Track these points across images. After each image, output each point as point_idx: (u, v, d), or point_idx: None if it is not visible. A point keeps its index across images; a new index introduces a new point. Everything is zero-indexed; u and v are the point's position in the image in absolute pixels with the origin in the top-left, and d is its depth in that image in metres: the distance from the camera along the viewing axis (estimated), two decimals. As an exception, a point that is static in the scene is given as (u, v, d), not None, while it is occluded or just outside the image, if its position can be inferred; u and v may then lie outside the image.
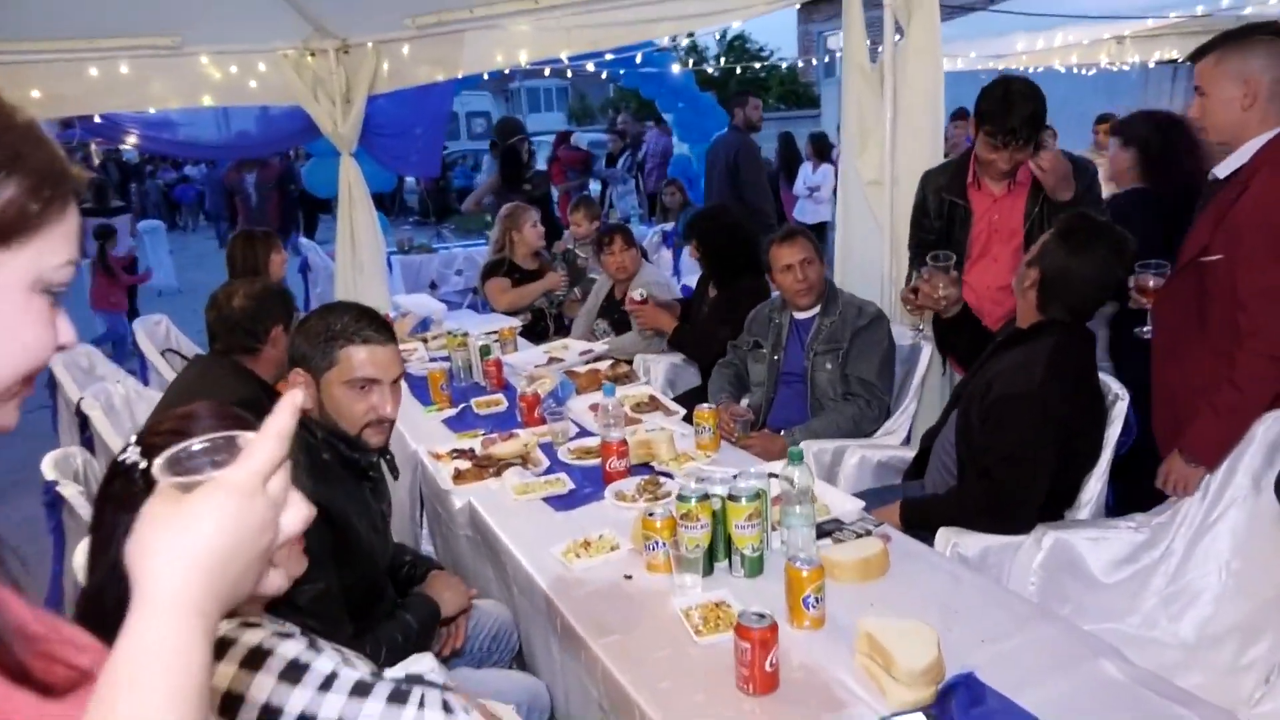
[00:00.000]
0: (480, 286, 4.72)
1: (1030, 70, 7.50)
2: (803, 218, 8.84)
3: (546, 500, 2.37)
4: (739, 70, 20.00)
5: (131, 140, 5.60)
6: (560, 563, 2.01)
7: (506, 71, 4.50)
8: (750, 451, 2.87)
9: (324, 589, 1.68)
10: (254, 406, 1.73)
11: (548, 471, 2.56)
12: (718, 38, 24.22)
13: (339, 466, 1.84)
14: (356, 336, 1.80)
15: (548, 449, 2.74)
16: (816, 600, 1.67)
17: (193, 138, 5.52)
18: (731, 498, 1.88)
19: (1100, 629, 2.14)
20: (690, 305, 3.98)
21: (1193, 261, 2.32)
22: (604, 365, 3.52)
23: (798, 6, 3.68)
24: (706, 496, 1.88)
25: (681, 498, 1.88)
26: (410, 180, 15.94)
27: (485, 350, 3.48)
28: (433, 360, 3.84)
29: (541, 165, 8.24)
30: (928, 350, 3.05)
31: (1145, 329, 2.51)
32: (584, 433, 2.88)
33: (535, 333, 4.56)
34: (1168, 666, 2.09)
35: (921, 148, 3.16)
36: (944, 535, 2.19)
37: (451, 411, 3.19)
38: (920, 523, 2.25)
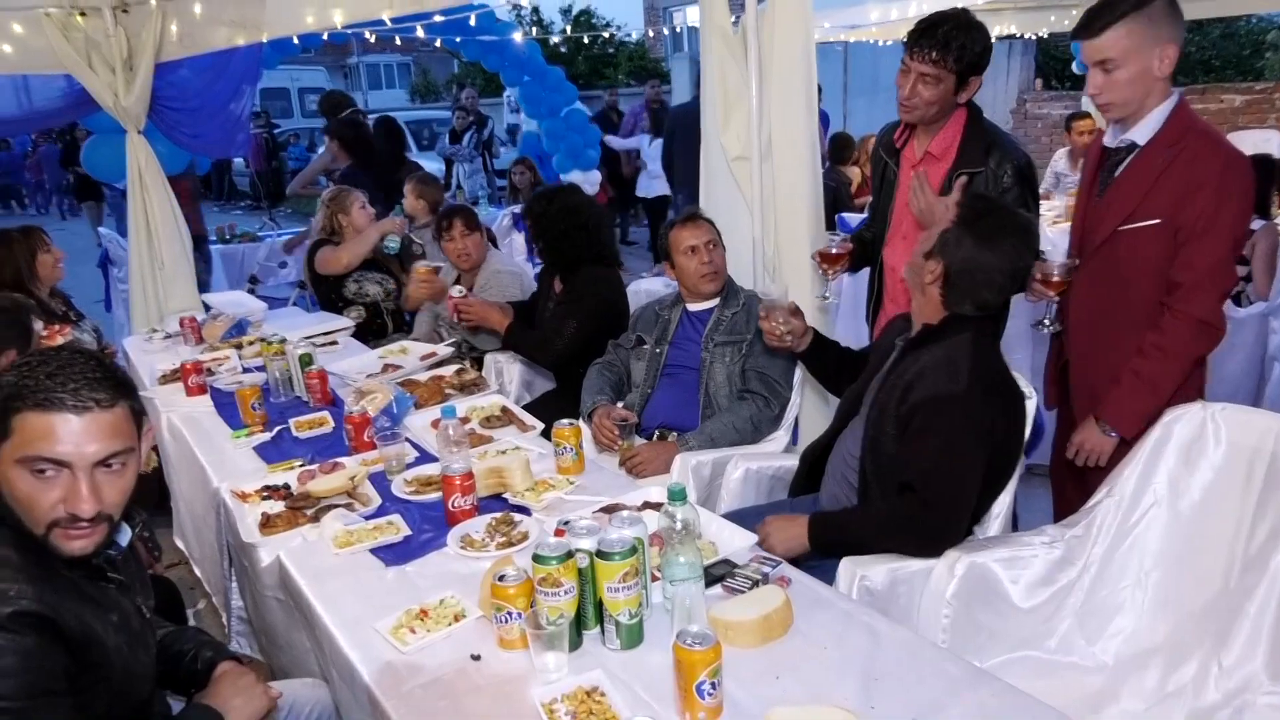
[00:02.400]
0: (308, 270, 4.14)
1: (880, 43, 7.46)
2: (643, 193, 8.58)
3: (375, 552, 1.93)
4: (586, 43, 19.57)
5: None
6: (389, 642, 1.59)
7: (325, 37, 3.94)
8: (631, 466, 2.53)
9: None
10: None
11: (378, 512, 2.11)
12: (562, 11, 23.70)
13: (65, 568, 1.34)
14: (41, 398, 1.27)
15: (380, 481, 2.29)
16: (713, 686, 1.33)
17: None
18: (601, 555, 1.51)
19: (1014, 659, 1.94)
20: (535, 300, 3.58)
21: (1114, 232, 2.13)
22: (448, 372, 3.07)
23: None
24: (570, 554, 1.51)
25: (539, 558, 1.50)
26: (239, 162, 14.69)
27: (306, 359, 2.97)
28: (247, 371, 3.29)
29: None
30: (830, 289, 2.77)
31: (1046, 321, 2.31)
32: (425, 456, 2.45)
33: (370, 332, 4.04)
34: (1090, 695, 1.90)
35: (794, 120, 2.86)
36: (847, 568, 1.90)
37: (266, 436, 2.67)
38: (832, 543, 1.96)
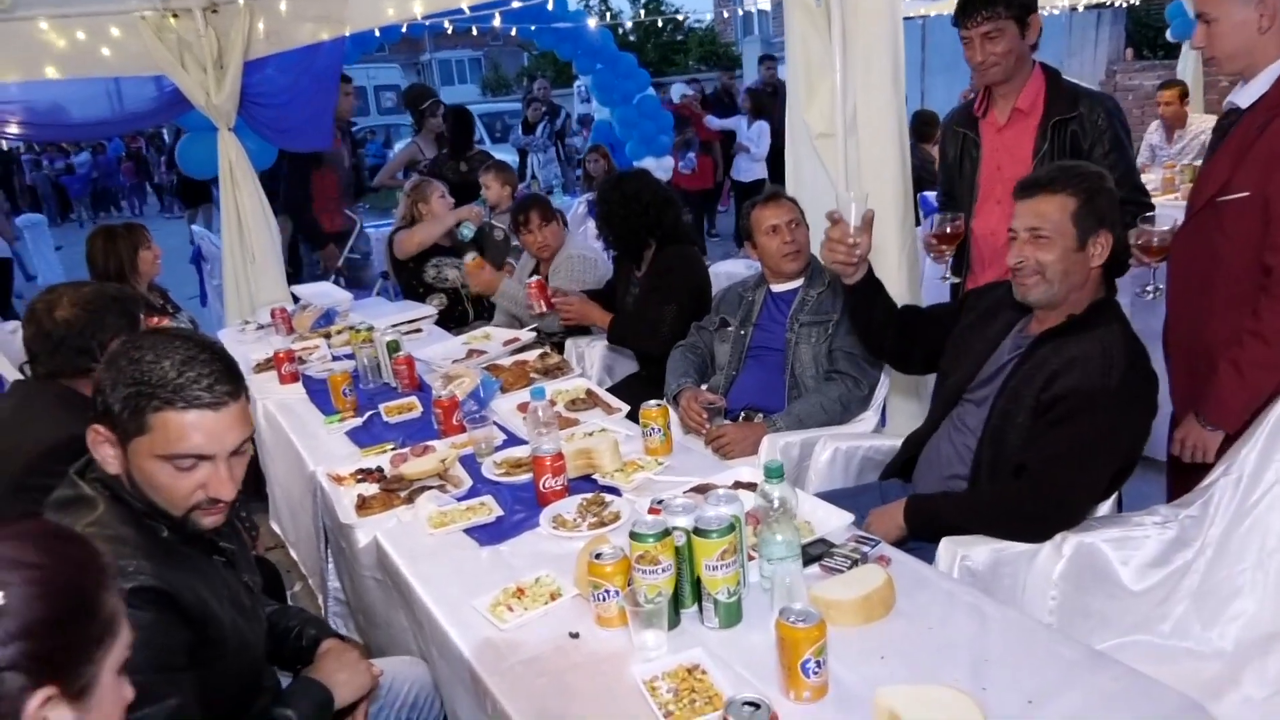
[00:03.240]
0: (389, 255, 4.23)
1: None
2: (739, 176, 8.52)
3: (469, 532, 1.95)
4: (656, 30, 19.53)
5: (13, 129, 4.80)
6: (488, 620, 1.61)
7: (405, 29, 4.01)
8: (718, 446, 2.51)
9: (175, 706, 1.25)
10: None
11: (470, 493, 2.14)
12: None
13: (180, 543, 1.39)
14: (179, 397, 1.29)
15: (470, 463, 2.31)
16: (819, 664, 1.30)
17: (88, 117, 4.74)
18: (699, 532, 1.49)
19: (1125, 643, 1.85)
20: (612, 287, 3.56)
21: (1210, 202, 2.02)
22: (532, 356, 3.09)
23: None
24: (667, 532, 1.50)
25: (636, 535, 1.49)
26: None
27: (394, 346, 3.02)
28: (336, 359, 3.37)
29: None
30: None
31: (1150, 287, 2.21)
32: (512, 439, 2.46)
33: (452, 318, 4.10)
34: (1208, 681, 1.81)
35: (880, 95, 2.78)
36: (948, 548, 1.85)
37: (357, 421, 2.73)
38: (930, 527, 1.92)
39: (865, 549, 1.69)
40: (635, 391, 2.84)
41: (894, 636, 1.46)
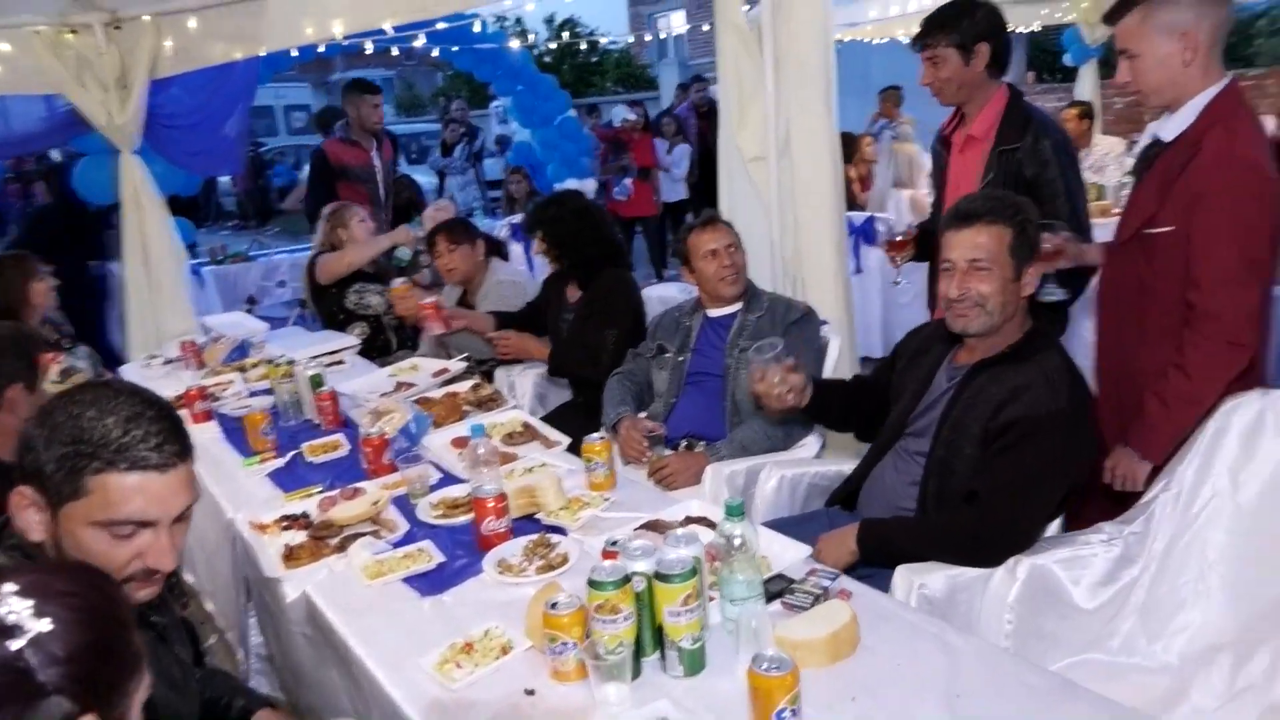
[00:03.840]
0: (307, 281, 4.04)
1: (874, 41, 7.42)
2: (664, 198, 8.50)
3: (408, 582, 1.84)
4: (571, 53, 19.53)
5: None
6: (435, 679, 1.50)
7: (322, 49, 3.85)
8: (661, 478, 2.45)
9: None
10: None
11: (406, 539, 2.02)
12: (546, 21, 23.64)
13: None
14: (122, 458, 1.18)
15: (403, 505, 2.20)
16: (793, 713, 1.24)
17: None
18: (661, 577, 1.42)
19: (1076, 663, 1.86)
20: (540, 314, 3.46)
21: (1138, 233, 2.06)
22: (464, 388, 2.98)
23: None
24: (628, 579, 1.42)
25: (595, 584, 1.41)
26: (224, 181, 14.56)
27: (317, 380, 2.87)
28: (253, 395, 3.19)
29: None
30: (836, 344, 2.70)
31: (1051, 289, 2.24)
32: (447, 479, 2.35)
33: (374, 348, 3.95)
34: (1159, 696, 1.82)
35: (812, 116, 2.79)
36: (904, 576, 1.83)
37: (279, 462, 2.58)
38: (882, 552, 1.89)
39: (825, 583, 1.65)
40: (571, 421, 2.77)
41: (862, 675, 1.42)
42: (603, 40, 19.73)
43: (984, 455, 1.87)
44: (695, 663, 1.45)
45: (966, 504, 1.88)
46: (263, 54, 3.59)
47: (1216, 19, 1.93)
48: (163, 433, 1.22)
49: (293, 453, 2.62)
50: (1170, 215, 1.98)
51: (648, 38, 17.23)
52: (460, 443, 2.55)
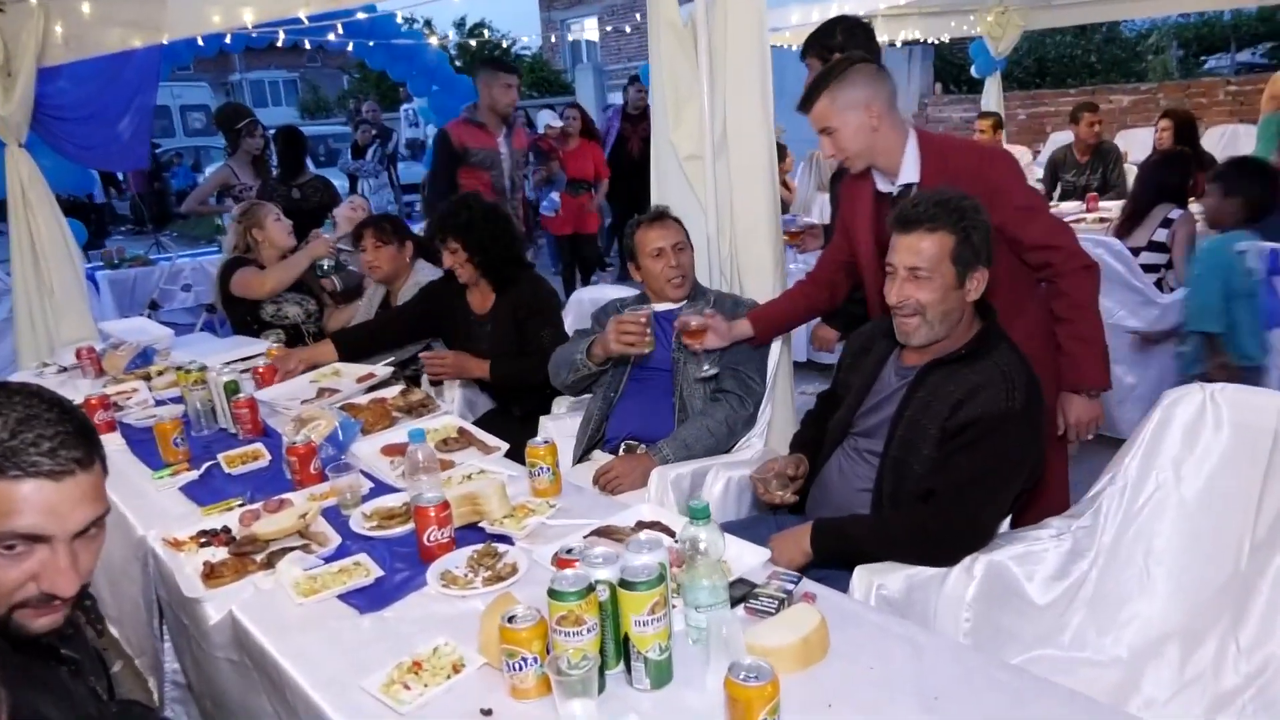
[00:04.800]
0: (219, 291, 3.81)
1: (793, 48, 7.49)
2: None
3: (345, 598, 1.71)
4: (486, 54, 19.21)
5: None
6: (382, 702, 1.39)
7: (231, 37, 3.63)
8: (605, 483, 2.37)
9: None
10: None
11: (339, 552, 1.89)
12: (456, 24, 23.31)
13: (10, 649, 1.10)
14: (10, 463, 1.04)
15: (333, 517, 2.06)
16: (773, 723, 1.19)
17: None
18: (626, 585, 1.35)
19: (1029, 659, 1.86)
20: (427, 320, 3.28)
21: None
22: (391, 393, 2.85)
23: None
24: (591, 588, 1.34)
25: (556, 594, 1.33)
26: (119, 180, 13.82)
27: (232, 387, 2.70)
28: (159, 404, 2.99)
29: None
30: (776, 344, 2.67)
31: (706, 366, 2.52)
32: (381, 487, 2.23)
33: (293, 356, 3.75)
34: (1109, 690, 1.84)
35: (749, 115, 2.76)
36: (863, 576, 1.80)
37: (193, 475, 2.40)
38: (837, 552, 1.86)
39: (789, 587, 1.60)
40: (504, 427, 2.67)
41: (836, 680, 1.37)
42: (516, 44, 19.53)
43: (941, 453, 1.85)
44: (663, 674, 1.38)
45: (923, 503, 1.86)
46: (165, 42, 3.36)
47: (887, 90, 2.27)
48: (60, 436, 1.08)
49: (208, 463, 2.44)
50: None
51: (553, 39, 17.09)
52: (391, 450, 2.43)
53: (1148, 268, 4.13)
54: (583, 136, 7.16)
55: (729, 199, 2.88)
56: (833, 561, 1.89)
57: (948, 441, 1.85)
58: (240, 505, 2.16)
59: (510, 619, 1.36)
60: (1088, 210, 5.34)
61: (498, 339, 3.04)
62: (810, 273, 2.69)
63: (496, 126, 4.52)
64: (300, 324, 3.81)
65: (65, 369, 3.55)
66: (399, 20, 6.59)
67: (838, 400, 2.21)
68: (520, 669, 1.35)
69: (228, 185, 5.57)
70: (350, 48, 5.91)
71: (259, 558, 1.89)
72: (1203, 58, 13.73)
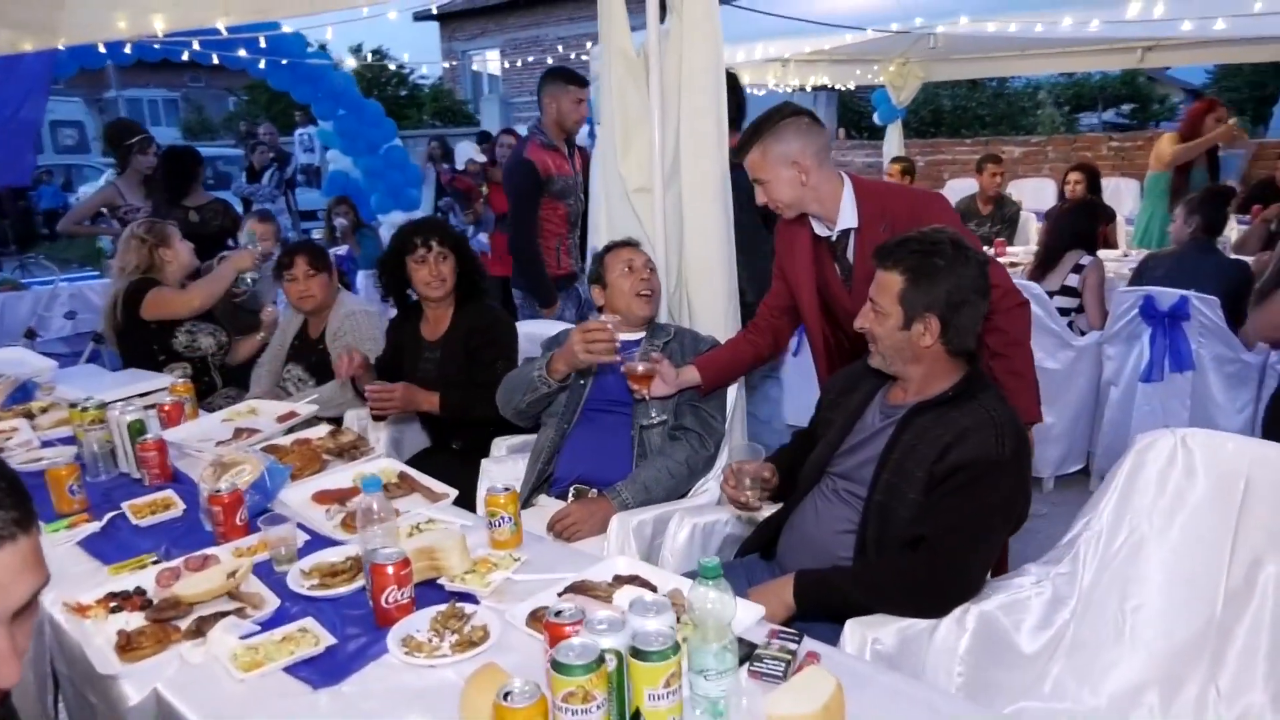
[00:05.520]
0: (116, 320, 3.46)
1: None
2: None
3: (293, 671, 1.51)
4: (384, 82, 18.85)
5: None
6: (353, 797, 1.21)
7: (105, 47, 3.34)
8: (562, 529, 2.23)
9: None
10: None
11: (279, 617, 1.68)
12: (353, 50, 22.74)
13: None
14: None
15: (265, 574, 1.85)
16: (817, 809, 1.07)
17: None
18: (639, 654, 1.22)
19: (1013, 711, 1.82)
20: (395, 355, 3.09)
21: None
22: (318, 434, 2.63)
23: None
24: (601, 659, 1.20)
25: (562, 668, 1.18)
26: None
27: (137, 427, 2.43)
28: (47, 445, 2.67)
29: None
30: (734, 388, 2.60)
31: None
32: (316, 540, 2.02)
33: (197, 390, 3.45)
34: (1091, 742, 1.81)
35: (702, 147, 2.70)
36: (855, 630, 1.71)
37: (93, 527, 2.13)
38: (822, 604, 1.78)
39: (792, 646, 1.49)
40: (440, 469, 2.48)
41: (859, 752, 1.27)
42: (414, 72, 19.25)
43: (929, 499, 1.80)
44: (676, 752, 1.25)
45: (911, 550, 1.80)
46: (60, 47, 3.07)
47: (819, 141, 2.33)
48: None
49: (111, 514, 2.17)
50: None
51: (451, 63, 16.83)
52: (325, 497, 2.22)
53: (1060, 311, 4.27)
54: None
55: (679, 232, 2.80)
56: (815, 614, 1.80)
57: (936, 486, 1.80)
58: (155, 562, 1.92)
59: (506, 696, 1.21)
60: (997, 257, 5.53)
61: (445, 364, 2.87)
62: (752, 321, 2.67)
63: (563, 148, 4.03)
64: (209, 356, 3.51)
65: (-72, 405, 3.15)
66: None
67: (814, 440, 2.14)
68: (518, 754, 1.20)
69: (113, 205, 5.17)
70: (262, 64, 5.60)
71: (183, 624, 1.66)
72: (1076, 115, 14.68)
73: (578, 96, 3.93)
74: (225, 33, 3.41)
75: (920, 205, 2.36)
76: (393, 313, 3.18)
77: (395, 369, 3.03)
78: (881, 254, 1.94)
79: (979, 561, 1.79)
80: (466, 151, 6.78)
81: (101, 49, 4.00)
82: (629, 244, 2.60)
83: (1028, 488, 1.87)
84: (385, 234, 7.17)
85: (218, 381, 3.55)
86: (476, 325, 2.87)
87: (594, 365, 2.46)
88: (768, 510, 2.21)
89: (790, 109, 2.37)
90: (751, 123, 2.38)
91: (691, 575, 1.98)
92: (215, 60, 5.06)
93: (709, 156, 2.71)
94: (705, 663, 1.32)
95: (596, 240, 2.98)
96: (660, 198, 2.80)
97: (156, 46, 4.46)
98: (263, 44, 5.28)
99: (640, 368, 2.34)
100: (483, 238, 6.36)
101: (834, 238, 2.39)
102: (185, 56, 4.67)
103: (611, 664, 1.23)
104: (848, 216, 2.35)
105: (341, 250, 6.23)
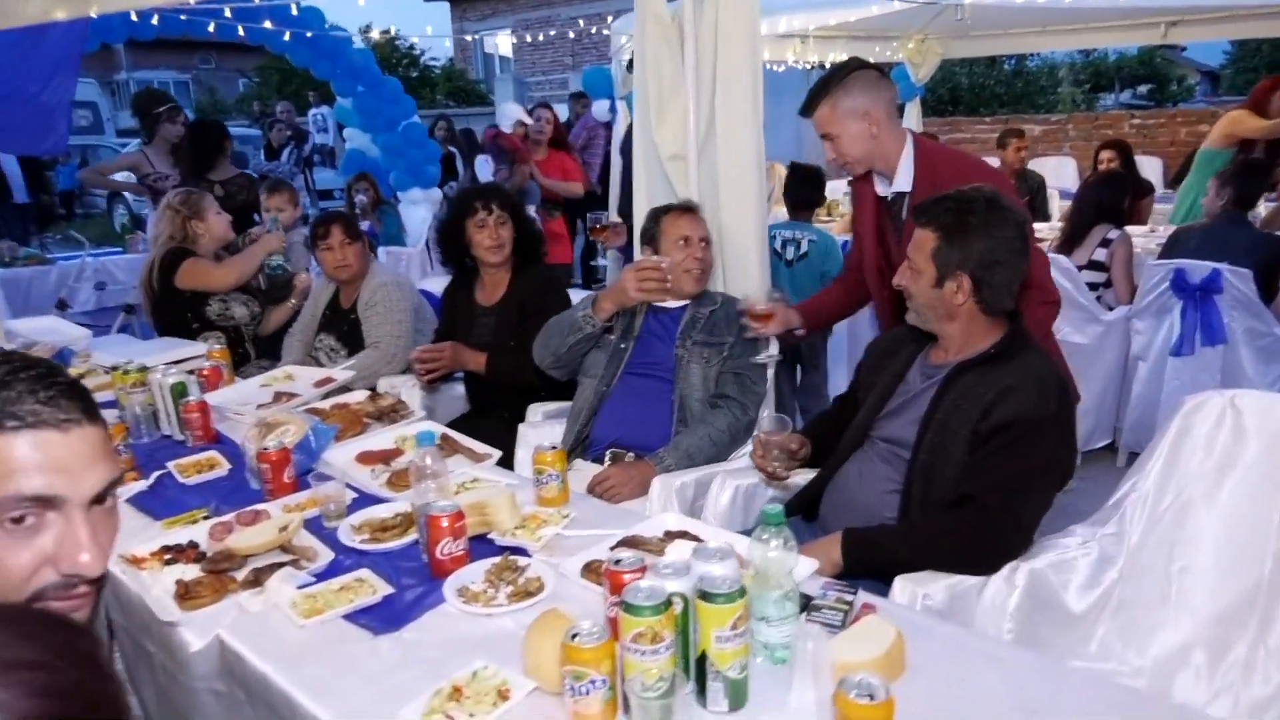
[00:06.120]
0: (150, 284, 3.48)
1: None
2: None
3: (353, 619, 1.53)
4: (397, 62, 18.77)
5: None
6: (426, 736, 1.23)
7: (127, 23, 3.35)
8: (603, 491, 2.24)
9: None
10: None
11: (333, 568, 1.70)
12: (361, 31, 22.66)
13: None
14: (4, 416, 0.86)
15: (316, 529, 1.87)
16: (891, 747, 1.08)
17: None
18: (706, 596, 1.23)
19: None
20: (449, 319, 3.12)
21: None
22: (357, 398, 2.64)
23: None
24: (669, 601, 1.21)
25: (633, 608, 1.19)
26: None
27: (180, 389, 2.45)
28: (88, 409, 2.69)
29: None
30: (774, 348, 2.60)
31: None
32: (363, 498, 2.04)
33: (232, 364, 3.47)
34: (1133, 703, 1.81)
35: (737, 113, 2.68)
36: (905, 586, 1.72)
37: (142, 484, 2.16)
38: (870, 562, 1.79)
39: (848, 597, 1.50)
40: (484, 433, 2.50)
41: (922, 697, 1.27)
42: (426, 54, 19.18)
43: (974, 458, 1.80)
44: (741, 694, 1.26)
45: (957, 508, 1.80)
46: (93, 15, 3.07)
47: (889, 95, 2.34)
48: (55, 387, 0.91)
49: (158, 472, 2.20)
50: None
51: (469, 39, 16.73)
52: (369, 457, 2.24)
53: (1088, 286, 4.25)
54: (552, 146, 5.89)
55: (714, 199, 2.79)
56: (860, 571, 1.81)
57: (981, 445, 1.80)
58: (205, 518, 1.94)
59: (574, 636, 1.22)
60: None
61: (500, 331, 2.88)
62: (838, 276, 2.75)
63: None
64: (242, 325, 3.53)
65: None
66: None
67: (855, 404, 2.14)
68: (587, 692, 1.21)
69: (140, 170, 5.18)
70: (288, 36, 5.58)
71: (239, 575, 1.69)
72: (1095, 94, 14.56)
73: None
74: (258, 1, 3.41)
75: (974, 174, 2.29)
76: (423, 285, 3.20)
77: (448, 333, 3.07)
78: (919, 211, 1.95)
79: (1026, 519, 1.79)
80: (514, 114, 5.99)
81: (134, 16, 3.98)
82: (689, 210, 2.56)
83: (1073, 442, 1.88)
84: (404, 211, 7.17)
85: (251, 353, 3.57)
86: (531, 293, 2.87)
87: (637, 325, 2.47)
88: (799, 476, 2.23)
89: (857, 62, 2.36)
90: (819, 79, 2.37)
91: (745, 534, 2.01)
92: (241, 32, 5.05)
93: (745, 123, 2.69)
94: (766, 610, 1.34)
95: (640, 207, 2.97)
96: (695, 165, 2.79)
97: (183, 18, 4.45)
98: (294, 10, 5.25)
99: (760, 306, 2.35)
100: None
101: (890, 198, 2.39)
102: (211, 28, 4.67)
103: (679, 607, 1.24)
104: (903, 178, 2.34)
105: (363, 226, 6.23)
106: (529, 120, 5.92)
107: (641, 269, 2.34)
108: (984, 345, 1.91)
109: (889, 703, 1.07)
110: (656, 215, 2.57)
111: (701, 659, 1.24)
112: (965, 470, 1.81)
